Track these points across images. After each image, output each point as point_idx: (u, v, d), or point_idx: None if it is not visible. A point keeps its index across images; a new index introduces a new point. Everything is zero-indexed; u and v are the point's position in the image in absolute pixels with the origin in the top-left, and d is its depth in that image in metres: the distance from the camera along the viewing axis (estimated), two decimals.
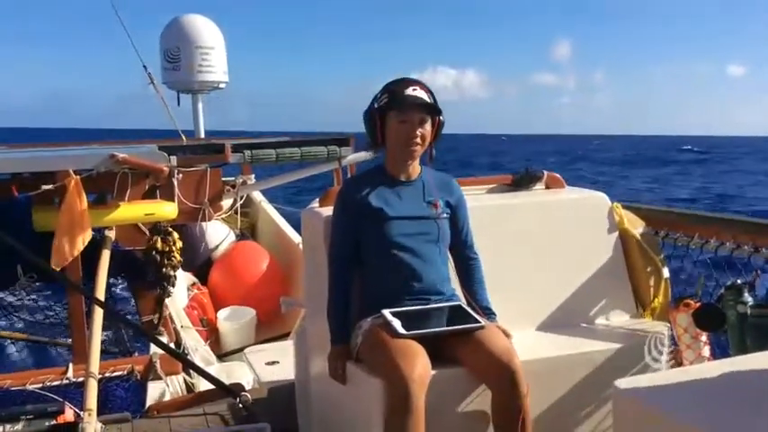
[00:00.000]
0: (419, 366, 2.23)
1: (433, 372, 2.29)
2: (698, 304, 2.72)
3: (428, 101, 2.52)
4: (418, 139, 2.51)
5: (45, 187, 3.82)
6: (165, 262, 4.44)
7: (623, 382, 1.66)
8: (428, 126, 2.54)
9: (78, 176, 3.81)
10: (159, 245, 4.41)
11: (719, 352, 2.87)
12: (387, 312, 2.42)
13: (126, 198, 4.23)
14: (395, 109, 2.51)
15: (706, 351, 2.79)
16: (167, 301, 4.70)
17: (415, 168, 2.63)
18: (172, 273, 4.51)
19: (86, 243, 3.76)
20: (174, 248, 4.43)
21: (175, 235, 4.48)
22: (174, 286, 4.65)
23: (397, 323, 2.36)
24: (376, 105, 2.55)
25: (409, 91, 2.51)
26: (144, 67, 6.16)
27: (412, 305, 2.49)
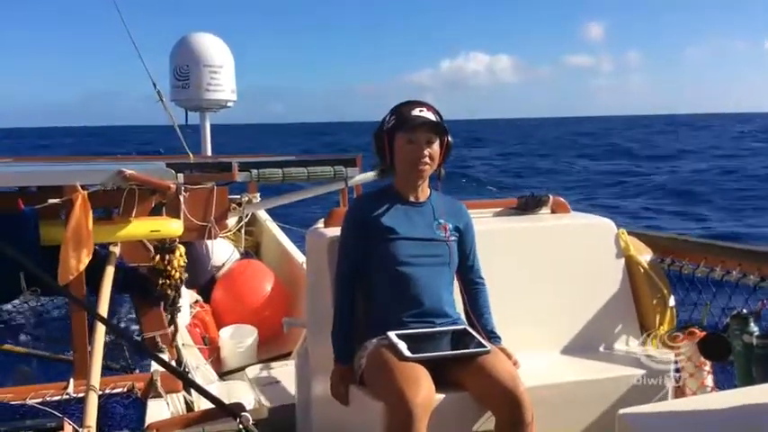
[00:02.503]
0: (423, 390, 2.22)
1: (437, 396, 2.28)
2: (703, 333, 2.71)
3: (435, 121, 2.54)
4: (426, 159, 2.53)
5: (52, 201, 3.82)
6: (161, 280, 4.44)
7: (627, 411, 1.65)
8: (436, 146, 2.55)
9: (86, 191, 3.82)
10: (157, 262, 4.42)
11: (722, 381, 2.85)
12: (392, 334, 2.41)
13: (132, 214, 4.23)
14: (402, 129, 2.53)
15: (709, 380, 2.77)
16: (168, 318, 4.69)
17: (425, 191, 2.65)
18: (169, 291, 4.50)
19: (90, 258, 3.76)
20: (172, 266, 4.42)
21: (177, 252, 4.47)
22: (172, 305, 4.63)
23: (402, 345, 2.35)
24: (384, 127, 2.58)
25: (416, 112, 2.54)
26: (153, 84, 6.20)
27: (417, 327, 2.49)
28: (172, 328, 4.76)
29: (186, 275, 4.63)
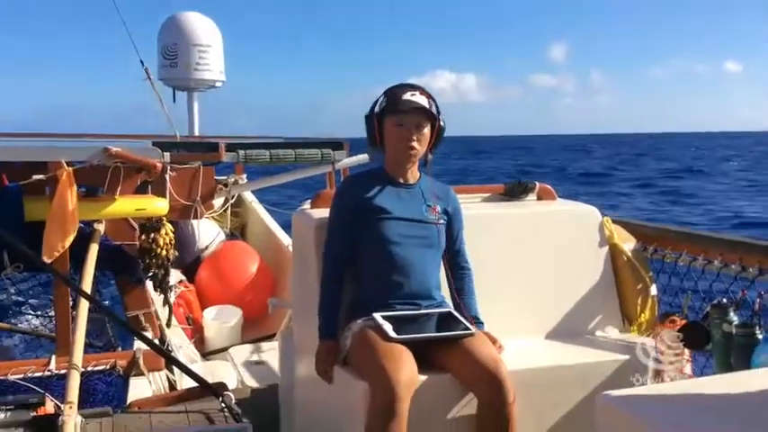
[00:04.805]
0: (406, 370, 2.23)
1: (421, 377, 2.29)
2: (683, 321, 2.73)
3: (426, 106, 2.53)
4: (414, 143, 2.53)
5: (36, 177, 3.79)
6: (147, 259, 4.43)
7: (608, 395, 1.67)
8: (426, 131, 2.55)
9: (71, 168, 3.80)
10: (143, 241, 4.41)
11: (700, 369, 2.88)
12: (378, 315, 2.43)
13: (117, 192, 4.21)
14: (392, 112, 2.53)
15: (688, 368, 2.80)
16: (153, 296, 4.69)
17: (414, 173, 2.65)
18: (155, 270, 4.49)
19: (75, 235, 3.74)
20: (157, 244, 4.41)
21: (163, 230, 4.45)
22: (162, 284, 4.63)
23: (388, 326, 2.37)
24: (376, 109, 2.58)
25: (407, 95, 2.53)
26: (141, 62, 6.14)
27: (402, 308, 2.50)
28: (166, 307, 4.76)
29: (175, 253, 4.62)
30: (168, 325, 4.70)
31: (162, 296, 4.72)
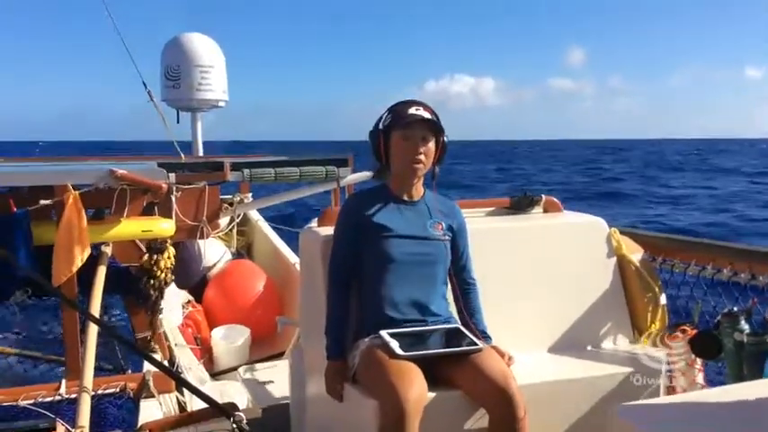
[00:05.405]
0: (416, 388, 2.22)
1: (430, 394, 2.28)
2: (694, 331, 2.73)
3: (431, 119, 2.55)
4: (421, 156, 2.54)
5: (43, 202, 3.81)
6: (145, 280, 4.43)
7: (620, 408, 1.66)
8: (431, 144, 2.56)
9: (77, 192, 3.81)
10: (145, 261, 4.41)
11: (713, 379, 2.87)
12: (385, 333, 2.42)
13: (124, 214, 4.22)
14: (398, 127, 2.54)
15: (700, 378, 2.79)
16: (163, 319, 4.68)
17: (419, 190, 2.66)
18: (152, 291, 4.48)
19: (84, 259, 3.75)
20: (158, 267, 4.41)
21: (166, 254, 4.46)
22: (154, 307, 4.61)
23: (394, 344, 2.36)
24: (381, 126, 2.58)
25: (412, 110, 2.55)
26: (144, 84, 6.18)
27: (409, 326, 2.49)
28: (162, 329, 4.74)
29: (172, 277, 4.62)
30: (148, 345, 4.64)
31: (150, 318, 4.69)
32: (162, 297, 4.62)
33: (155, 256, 4.42)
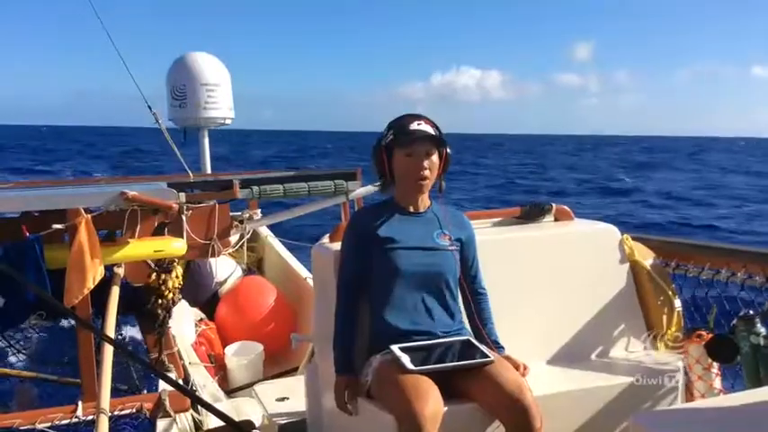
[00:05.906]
0: (432, 402, 2.22)
1: (445, 408, 2.28)
2: (710, 335, 2.71)
3: (433, 134, 2.55)
4: (426, 172, 2.54)
5: (56, 226, 3.83)
6: (152, 299, 4.45)
7: (639, 416, 1.65)
8: (435, 158, 2.56)
9: (89, 215, 3.83)
10: (153, 280, 4.43)
11: (730, 383, 2.85)
12: (395, 348, 2.42)
13: (135, 235, 4.24)
14: (401, 144, 2.54)
15: (717, 382, 2.77)
16: (176, 337, 4.69)
17: (425, 202, 2.66)
18: (159, 311, 4.49)
19: (97, 281, 3.76)
20: (166, 287, 4.43)
21: (174, 273, 4.48)
22: (161, 326, 4.62)
23: (406, 359, 2.35)
24: (383, 143, 2.58)
25: (414, 125, 2.55)
26: (149, 107, 6.21)
27: (420, 339, 2.49)
28: (176, 348, 4.75)
29: (180, 296, 4.64)
30: (157, 363, 4.65)
31: (156, 337, 4.71)
32: (170, 316, 4.64)
33: (162, 276, 4.44)
